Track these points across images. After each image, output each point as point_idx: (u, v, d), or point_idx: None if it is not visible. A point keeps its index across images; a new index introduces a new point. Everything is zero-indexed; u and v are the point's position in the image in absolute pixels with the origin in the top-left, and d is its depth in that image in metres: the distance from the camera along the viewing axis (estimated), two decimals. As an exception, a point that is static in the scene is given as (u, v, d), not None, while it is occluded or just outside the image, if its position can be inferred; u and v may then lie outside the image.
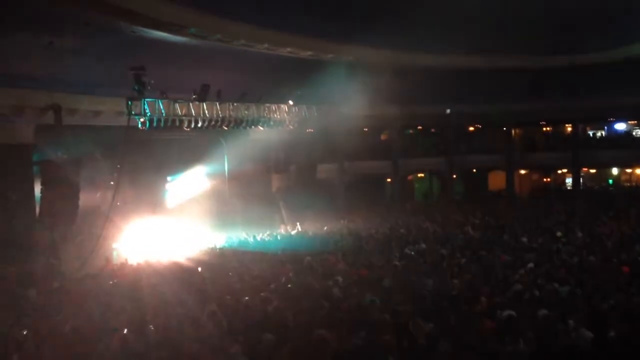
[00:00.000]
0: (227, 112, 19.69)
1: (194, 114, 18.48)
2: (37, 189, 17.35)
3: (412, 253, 15.55)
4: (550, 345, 7.44)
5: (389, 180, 33.58)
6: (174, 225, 22.15)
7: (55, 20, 12.46)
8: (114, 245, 20.60)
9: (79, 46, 14.17)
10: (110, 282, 13.40)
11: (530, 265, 12.77)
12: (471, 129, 35.91)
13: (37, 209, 17.15)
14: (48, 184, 17.14)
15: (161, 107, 17.45)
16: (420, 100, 27.24)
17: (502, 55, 21.92)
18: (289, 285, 11.92)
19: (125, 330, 8.52)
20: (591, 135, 36.63)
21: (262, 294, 10.96)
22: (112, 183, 19.21)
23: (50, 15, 12.11)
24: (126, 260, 17.81)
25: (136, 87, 15.73)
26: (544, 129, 36.67)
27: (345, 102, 23.17)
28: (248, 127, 21.46)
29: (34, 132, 17.08)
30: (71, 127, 17.52)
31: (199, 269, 14.66)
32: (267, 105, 21.46)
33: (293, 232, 22.80)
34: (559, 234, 17.93)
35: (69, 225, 18.19)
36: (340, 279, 12.28)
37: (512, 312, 8.59)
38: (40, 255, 17.18)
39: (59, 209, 17.23)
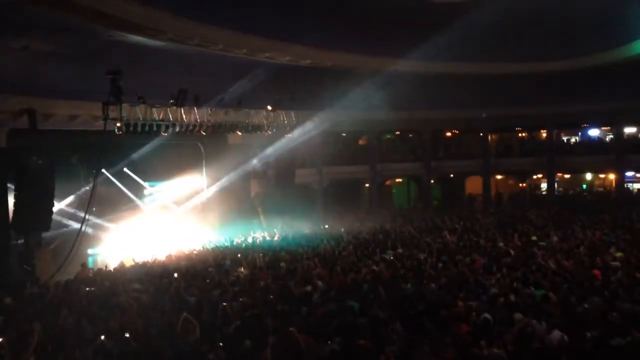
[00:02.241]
0: (205, 117, 19.59)
1: (171, 119, 18.35)
2: (11, 195, 17.09)
3: (390, 257, 15.62)
4: (525, 348, 7.54)
5: (367, 185, 33.71)
6: (152, 230, 22.01)
7: (31, 23, 12.32)
8: (91, 250, 20.41)
9: (55, 50, 14.01)
10: (87, 289, 13.23)
11: (506, 269, 12.93)
12: (448, 134, 36.28)
13: (11, 215, 16.87)
14: (22, 189, 16.88)
15: (138, 111, 17.31)
16: (398, 106, 27.42)
17: (478, 62, 22.20)
18: (267, 291, 11.92)
19: (103, 337, 8.45)
20: (565, 141, 37.23)
21: (240, 299, 10.95)
22: (88, 188, 19.02)
23: (26, 19, 11.97)
24: (103, 265, 17.62)
25: (113, 92, 15.58)
26: (520, 134, 37.18)
27: (325, 107, 23.25)
28: (226, 132, 21.36)
29: (7, 136, 16.83)
30: (46, 131, 17.30)
31: (175, 274, 14.57)
32: (246, 110, 21.42)
33: (271, 237, 22.75)
34: (534, 238, 18.17)
35: (44, 231, 17.94)
36: (318, 283, 12.31)
37: (488, 316, 8.70)
38: (14, 261, 16.93)
39: (33, 215, 16.97)
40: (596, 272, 12.18)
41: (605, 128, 35.22)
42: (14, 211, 16.80)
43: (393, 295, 10.79)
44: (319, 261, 15.23)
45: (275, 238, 22.31)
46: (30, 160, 16.81)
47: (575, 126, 35.41)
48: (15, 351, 8.13)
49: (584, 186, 36.80)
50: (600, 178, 36.42)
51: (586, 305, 9.38)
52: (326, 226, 24.10)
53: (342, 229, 22.87)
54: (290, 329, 8.05)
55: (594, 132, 36.02)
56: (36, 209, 16.98)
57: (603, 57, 22.25)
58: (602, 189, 36.12)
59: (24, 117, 16.49)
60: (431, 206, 32.33)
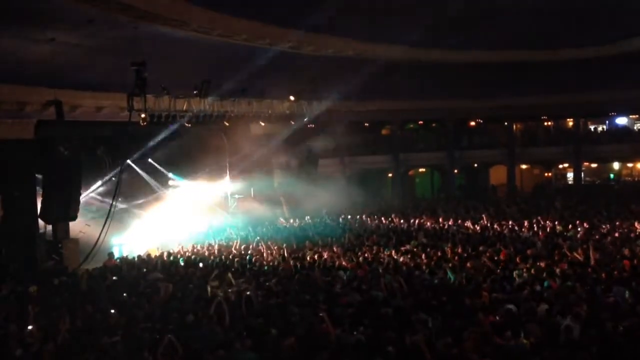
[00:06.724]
0: (228, 107, 19.68)
1: (195, 110, 18.48)
2: (39, 185, 17.38)
3: (414, 248, 15.59)
4: (551, 339, 7.48)
5: (390, 175, 33.58)
6: (176, 220, 22.22)
7: (57, 15, 12.46)
8: (117, 239, 20.67)
9: (81, 42, 14.16)
10: (114, 278, 13.46)
11: (531, 260, 12.80)
12: (472, 123, 35.89)
13: (39, 206, 17.17)
14: (50, 180, 17.16)
15: (162, 102, 17.46)
16: (422, 94, 27.22)
17: (503, 49, 21.89)
18: (291, 280, 11.99)
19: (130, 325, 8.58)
20: (592, 129, 36.59)
21: (264, 289, 11.04)
22: (114, 179, 19.24)
23: (52, 11, 12.10)
24: (130, 255, 17.86)
25: (137, 83, 15.70)
26: (545, 123, 36.62)
27: (346, 97, 23.16)
28: (249, 123, 21.42)
29: (35, 128, 17.09)
30: (73, 122, 17.53)
31: (201, 264, 14.73)
32: (268, 100, 21.44)
33: (294, 227, 22.81)
34: (559, 228, 17.95)
35: (71, 221, 18.23)
36: (342, 273, 12.35)
37: (513, 307, 8.63)
38: (42, 251, 17.24)
39: (60, 205, 17.24)
40: (625, 262, 11.99)
41: (633, 116, 34.53)
42: (42, 201, 17.10)
43: (416, 286, 10.78)
44: (342, 251, 15.26)
45: (298, 226, 22.38)
46: (57, 152, 17.07)
47: (602, 114, 34.76)
48: (44, 339, 8.31)
49: (612, 175, 36.21)
50: (628, 167, 35.77)
51: (612, 297, 9.27)
52: (349, 216, 24.09)
53: (366, 219, 22.86)
54: (321, 314, 8.10)
55: (621, 121, 35.34)
56: (63, 199, 17.26)
57: (630, 44, 21.79)
58: (630, 178, 35.49)
59: (51, 108, 16.73)
60: (455, 196, 32.06)
